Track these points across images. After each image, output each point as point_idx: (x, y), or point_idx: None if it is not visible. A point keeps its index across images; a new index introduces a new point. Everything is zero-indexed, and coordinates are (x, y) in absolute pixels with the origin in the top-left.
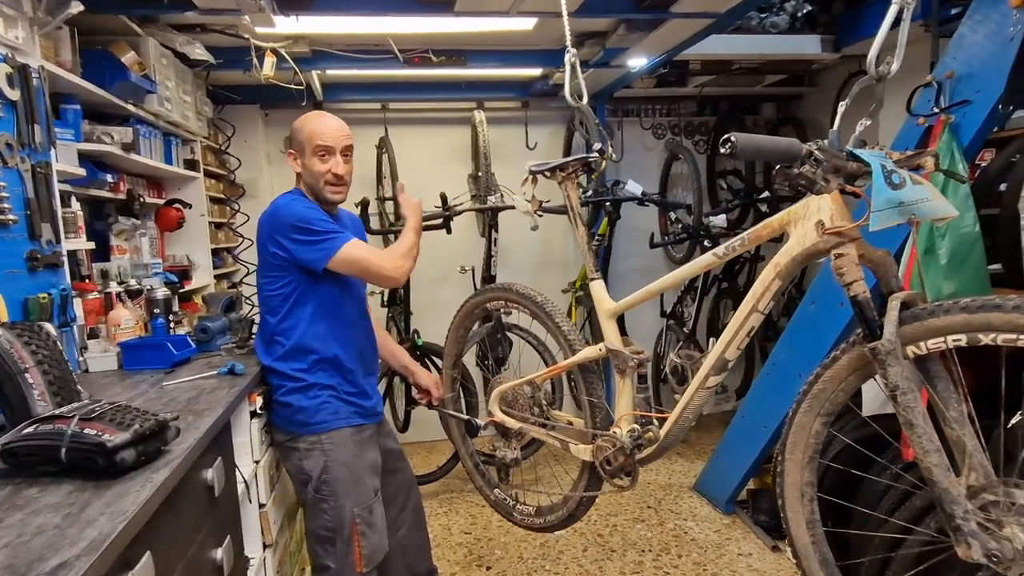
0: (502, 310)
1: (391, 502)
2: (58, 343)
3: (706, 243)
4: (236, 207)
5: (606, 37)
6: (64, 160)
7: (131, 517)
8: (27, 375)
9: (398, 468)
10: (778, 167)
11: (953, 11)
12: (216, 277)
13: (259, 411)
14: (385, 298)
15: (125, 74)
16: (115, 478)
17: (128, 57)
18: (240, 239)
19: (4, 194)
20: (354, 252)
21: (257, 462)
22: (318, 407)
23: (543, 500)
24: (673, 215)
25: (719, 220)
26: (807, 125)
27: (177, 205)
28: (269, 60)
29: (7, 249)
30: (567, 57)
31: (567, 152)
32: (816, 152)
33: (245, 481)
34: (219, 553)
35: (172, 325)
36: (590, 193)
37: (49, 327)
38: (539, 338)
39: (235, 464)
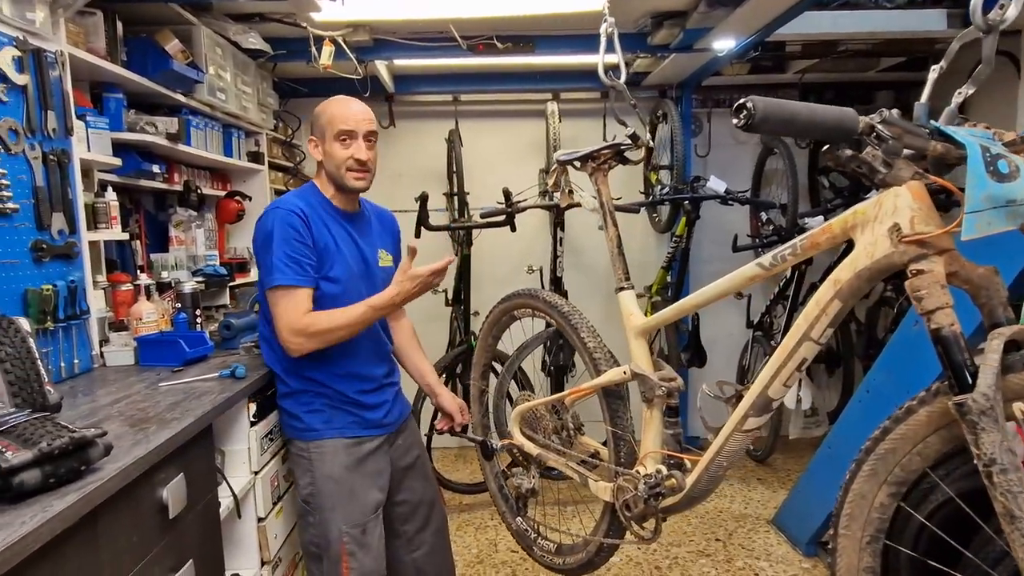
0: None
1: (406, 520)
2: (28, 340)
3: None
4: None
5: (686, 17)
6: (96, 149)
7: None
8: None
9: (414, 486)
10: (825, 147)
11: None
12: None
13: (252, 419)
14: (449, 296)
15: (167, 62)
16: (14, 503)
17: (172, 45)
18: None
19: (4, 182)
20: (274, 298)
21: (256, 472)
22: (308, 414)
23: (565, 538)
24: (765, 215)
25: (816, 222)
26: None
27: (237, 198)
28: (327, 49)
29: (6, 239)
30: (603, 27)
31: None
32: (879, 127)
33: (234, 494)
34: None
35: (201, 320)
36: (667, 190)
37: (22, 322)
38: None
39: (222, 476)
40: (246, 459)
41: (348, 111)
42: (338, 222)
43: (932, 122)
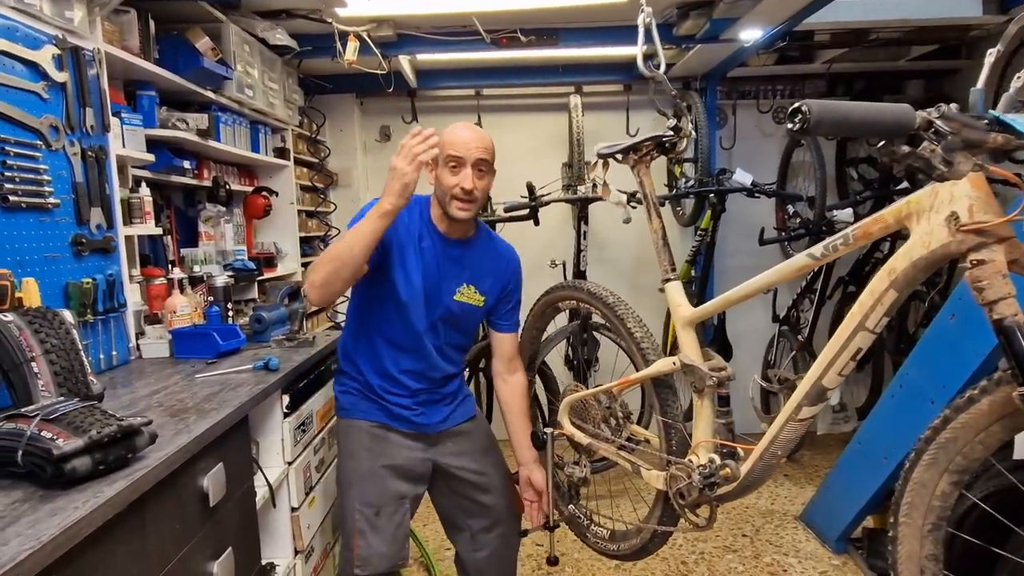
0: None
1: (471, 515)
2: (72, 332)
3: None
4: (326, 195)
5: (713, 7)
6: (131, 146)
7: (43, 543)
8: (33, 364)
9: (475, 493)
10: (881, 143)
11: None
12: (304, 265)
13: (285, 410)
14: None
15: (198, 60)
16: (65, 489)
17: (202, 43)
18: (328, 228)
19: (46, 177)
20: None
21: (290, 463)
22: (342, 394)
23: (618, 524)
24: (792, 208)
25: (845, 214)
26: (964, 106)
27: (264, 193)
28: (352, 44)
29: (48, 233)
30: (641, 16)
31: None
32: (937, 122)
33: (269, 484)
34: (214, 567)
35: (233, 314)
36: (692, 183)
37: (66, 315)
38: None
39: (257, 466)
40: (280, 450)
41: (459, 137)
42: (432, 238)
43: (991, 111)
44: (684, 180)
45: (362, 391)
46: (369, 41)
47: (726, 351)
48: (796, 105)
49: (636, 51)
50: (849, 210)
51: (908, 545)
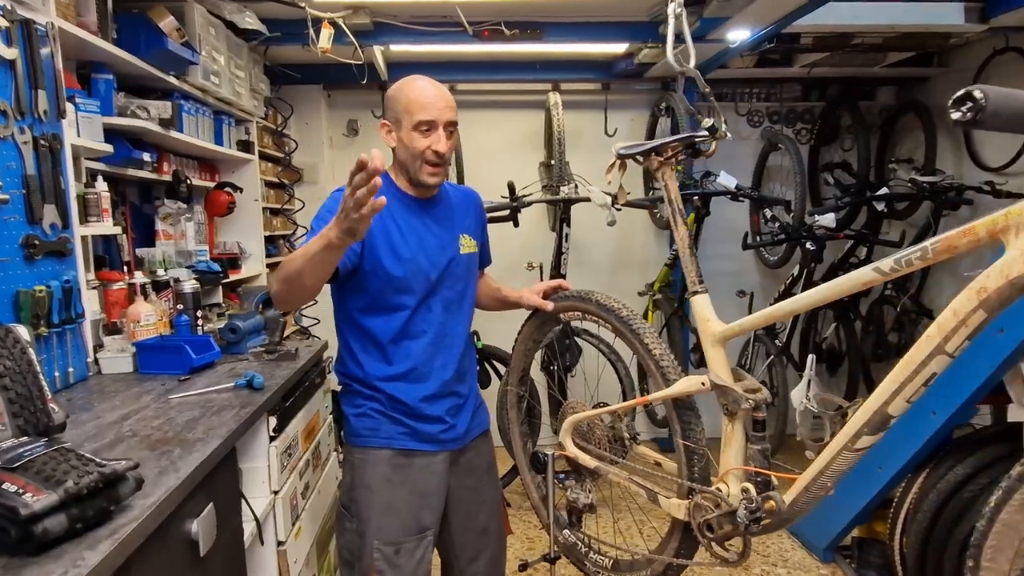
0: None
1: (460, 547)
2: (29, 351)
3: (808, 245)
4: (291, 192)
5: (704, 5)
6: (88, 135)
7: None
8: None
9: (472, 510)
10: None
11: None
12: (269, 266)
13: (271, 433)
14: None
15: (162, 41)
16: (37, 555)
17: (166, 23)
18: (295, 227)
19: None
20: None
21: (276, 492)
22: (356, 417)
23: (622, 553)
24: (769, 212)
25: (827, 220)
26: (935, 113)
27: (227, 189)
28: (326, 32)
29: None
30: (671, 7)
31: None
32: None
33: (257, 519)
34: None
35: (201, 322)
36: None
37: (21, 331)
38: (612, 347)
39: (244, 500)
40: (265, 478)
41: (428, 97)
42: (406, 207)
43: None
44: None
45: (383, 411)
46: (345, 28)
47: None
48: (967, 90)
49: (667, 45)
50: (831, 215)
51: None
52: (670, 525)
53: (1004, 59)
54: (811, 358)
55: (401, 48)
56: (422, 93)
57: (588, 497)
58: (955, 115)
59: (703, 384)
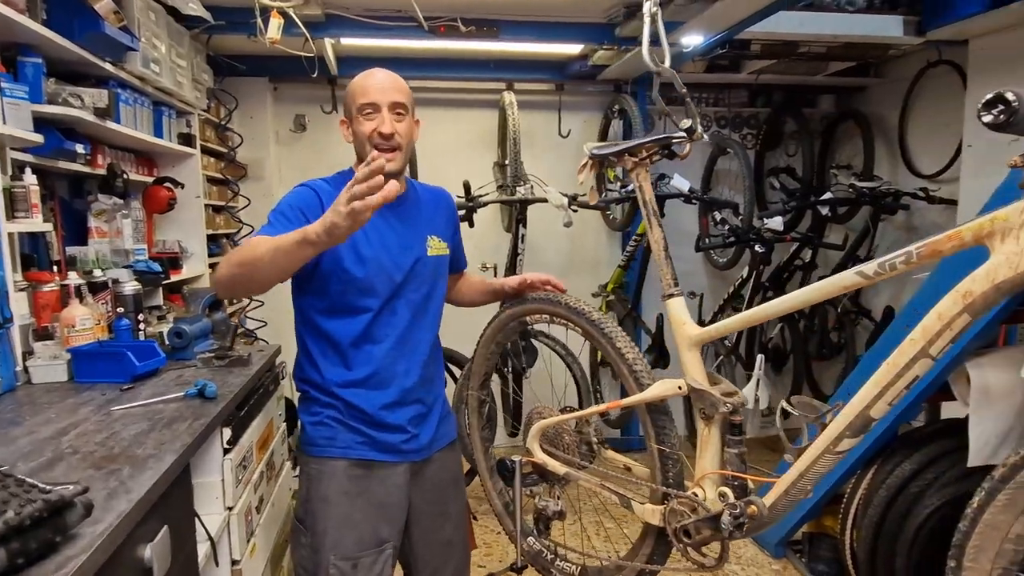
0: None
1: (423, 560)
2: None
3: (756, 248)
4: (236, 189)
5: (662, 9)
6: (15, 123)
7: None
8: None
9: (437, 524)
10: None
11: None
12: (212, 266)
13: (226, 445)
14: None
15: (97, 24)
16: None
17: (102, 5)
18: (240, 224)
19: None
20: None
21: (231, 508)
22: (312, 425)
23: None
24: (718, 215)
25: (775, 223)
26: (872, 120)
27: (167, 184)
28: (275, 21)
29: None
30: (646, 6)
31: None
32: None
33: (212, 539)
34: None
35: (142, 326)
36: (631, 188)
37: None
38: (569, 348)
39: (198, 519)
40: (219, 493)
41: (370, 80)
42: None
43: None
44: (619, 184)
45: (340, 419)
46: (296, 19)
47: (665, 358)
48: (999, 92)
49: (643, 45)
50: (779, 218)
51: None
52: (642, 530)
53: (937, 71)
54: (760, 358)
55: (353, 42)
56: (365, 79)
57: (557, 504)
58: (986, 118)
59: (680, 388)
